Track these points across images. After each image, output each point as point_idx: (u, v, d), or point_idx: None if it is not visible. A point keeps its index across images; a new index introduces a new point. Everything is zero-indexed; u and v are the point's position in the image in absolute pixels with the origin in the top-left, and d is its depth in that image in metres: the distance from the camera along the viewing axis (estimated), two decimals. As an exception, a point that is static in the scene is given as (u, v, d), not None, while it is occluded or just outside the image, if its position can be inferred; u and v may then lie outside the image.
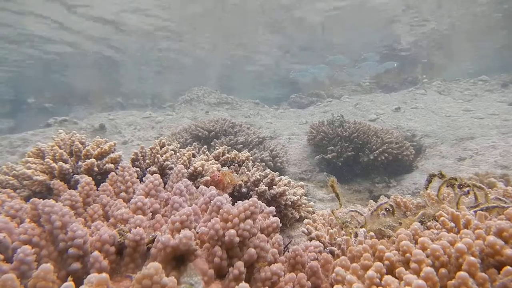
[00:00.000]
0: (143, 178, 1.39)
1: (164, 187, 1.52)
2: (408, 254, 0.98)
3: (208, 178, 1.96)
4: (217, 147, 3.41)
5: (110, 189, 1.41)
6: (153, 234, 1.07)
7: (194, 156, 2.48)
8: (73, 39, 13.27)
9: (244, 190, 2.13)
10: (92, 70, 18.24)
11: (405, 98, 8.51)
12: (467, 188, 1.41)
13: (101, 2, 10.05)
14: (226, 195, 1.33)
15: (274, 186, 2.21)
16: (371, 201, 2.10)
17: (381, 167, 4.51)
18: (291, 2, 10.58)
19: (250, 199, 1.05)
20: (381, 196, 2.10)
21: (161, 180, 1.38)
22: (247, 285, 0.85)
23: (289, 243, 1.84)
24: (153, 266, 0.77)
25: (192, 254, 0.99)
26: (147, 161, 2.07)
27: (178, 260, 0.98)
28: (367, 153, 4.51)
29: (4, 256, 0.88)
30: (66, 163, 1.86)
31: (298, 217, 2.32)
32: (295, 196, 2.32)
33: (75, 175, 1.85)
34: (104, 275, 0.76)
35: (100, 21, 11.66)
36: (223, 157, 2.63)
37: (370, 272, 0.92)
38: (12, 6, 9.64)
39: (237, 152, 2.72)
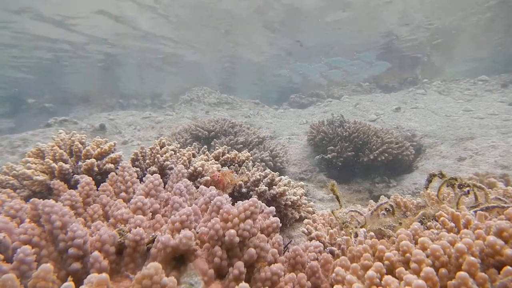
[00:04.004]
0: (143, 178, 1.39)
1: (164, 187, 1.52)
2: (408, 254, 0.98)
3: (208, 178, 1.96)
4: (217, 147, 3.41)
5: (110, 189, 1.41)
6: (153, 234, 1.07)
7: (194, 156, 2.48)
8: (73, 39, 13.29)
9: (244, 190, 2.13)
10: (92, 71, 18.27)
11: (405, 98, 8.51)
12: (467, 188, 1.41)
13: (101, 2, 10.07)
14: (226, 195, 1.33)
15: (274, 186, 2.21)
16: (371, 201, 2.10)
17: (381, 167, 4.51)
18: (290, 2, 10.59)
19: (250, 199, 1.05)
20: (381, 196, 2.10)
21: (161, 180, 1.38)
22: (247, 285, 0.85)
23: (289, 243, 1.84)
24: (153, 266, 0.77)
25: (192, 254, 0.99)
26: (147, 161, 2.07)
27: (178, 260, 0.98)
28: (367, 153, 4.51)
29: (4, 256, 0.88)
30: (66, 163, 1.86)
31: (298, 217, 2.32)
32: (295, 196, 2.32)
33: (75, 175, 1.85)
34: (104, 275, 0.76)
35: (101, 22, 11.68)
36: (223, 157, 2.63)
37: (370, 272, 0.92)
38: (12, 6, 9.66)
39: (237, 152, 2.72)
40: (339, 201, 1.68)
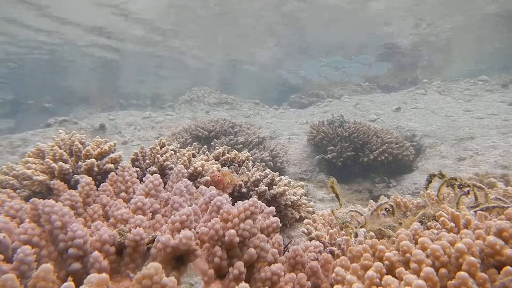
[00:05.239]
0: (143, 178, 1.39)
1: (164, 187, 1.52)
2: (408, 254, 0.98)
3: (208, 178, 1.96)
4: (217, 147, 3.41)
5: (110, 189, 1.41)
6: (153, 234, 1.07)
7: (194, 156, 2.48)
8: (74, 40, 13.29)
9: (244, 190, 2.13)
10: (92, 71, 18.27)
11: (405, 98, 8.51)
12: (467, 188, 1.41)
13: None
14: (226, 195, 1.33)
15: (274, 186, 2.21)
16: (371, 201, 2.11)
17: (381, 167, 4.51)
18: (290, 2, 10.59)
19: (250, 199, 1.05)
20: (381, 196, 2.10)
21: (161, 180, 1.38)
22: (247, 285, 0.85)
23: (289, 243, 1.84)
24: (153, 266, 0.77)
25: (192, 254, 0.99)
26: (147, 161, 2.07)
27: (178, 260, 0.98)
28: (367, 153, 4.51)
29: (4, 256, 0.88)
30: (66, 163, 1.86)
31: (298, 217, 2.32)
32: (295, 196, 2.32)
33: (75, 175, 1.85)
34: (104, 275, 0.76)
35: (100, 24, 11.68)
36: (223, 157, 2.63)
37: (370, 272, 0.92)
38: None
39: (237, 152, 2.72)
40: (338, 199, 1.68)
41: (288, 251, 1.18)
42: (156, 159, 2.04)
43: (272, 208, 1.28)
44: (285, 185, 2.32)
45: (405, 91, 9.80)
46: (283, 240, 1.23)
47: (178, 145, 2.76)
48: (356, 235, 1.41)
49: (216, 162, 2.49)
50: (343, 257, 1.14)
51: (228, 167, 2.52)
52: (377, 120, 6.76)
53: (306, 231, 1.72)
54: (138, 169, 1.98)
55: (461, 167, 4.11)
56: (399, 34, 13.56)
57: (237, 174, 2.34)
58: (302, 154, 5.18)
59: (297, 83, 17.19)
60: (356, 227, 1.52)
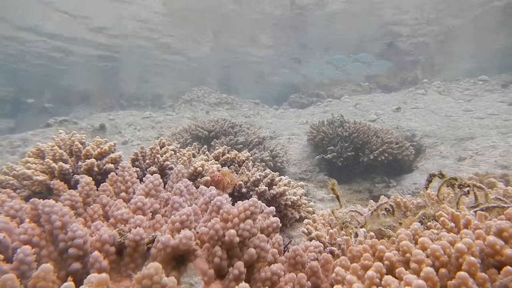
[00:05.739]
0: (143, 178, 1.39)
1: (164, 187, 1.52)
2: (408, 254, 0.98)
3: (208, 178, 1.96)
4: (217, 147, 3.41)
5: (110, 189, 1.41)
6: (153, 234, 1.07)
7: (194, 156, 2.48)
8: (73, 40, 13.28)
9: (244, 190, 2.13)
10: (92, 71, 18.27)
11: (405, 98, 8.51)
12: (467, 188, 1.41)
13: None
14: (226, 195, 1.33)
15: (274, 186, 2.21)
16: (371, 201, 2.10)
17: (381, 167, 4.51)
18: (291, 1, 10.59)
19: (250, 199, 1.05)
20: (381, 196, 2.10)
21: (161, 180, 1.38)
22: (247, 285, 0.85)
23: (289, 243, 1.84)
24: (153, 266, 0.77)
25: (192, 254, 0.99)
26: (147, 161, 2.07)
27: (178, 260, 0.98)
28: (367, 153, 4.51)
29: (4, 256, 0.88)
30: (66, 163, 1.86)
31: (298, 217, 2.32)
32: (295, 196, 2.32)
33: (75, 175, 1.85)
34: (104, 275, 0.76)
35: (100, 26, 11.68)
36: (223, 157, 2.63)
37: (370, 272, 0.92)
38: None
39: (237, 152, 2.72)
40: (339, 200, 1.68)
41: (288, 251, 1.18)
42: (156, 159, 2.04)
43: (272, 208, 1.28)
44: (285, 185, 2.32)
45: (405, 91, 9.80)
46: (283, 240, 1.23)
47: (178, 145, 2.76)
48: (356, 235, 1.41)
49: (216, 162, 2.49)
50: (343, 257, 1.14)
51: (228, 167, 2.52)
52: (377, 120, 6.76)
53: (306, 231, 1.72)
54: (138, 169, 1.98)
55: (461, 167, 4.11)
56: (400, 33, 13.56)
57: (237, 174, 2.34)
58: (302, 154, 5.18)
59: (297, 82, 17.18)
60: (356, 227, 1.52)
